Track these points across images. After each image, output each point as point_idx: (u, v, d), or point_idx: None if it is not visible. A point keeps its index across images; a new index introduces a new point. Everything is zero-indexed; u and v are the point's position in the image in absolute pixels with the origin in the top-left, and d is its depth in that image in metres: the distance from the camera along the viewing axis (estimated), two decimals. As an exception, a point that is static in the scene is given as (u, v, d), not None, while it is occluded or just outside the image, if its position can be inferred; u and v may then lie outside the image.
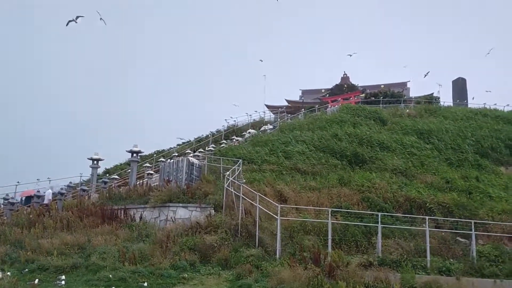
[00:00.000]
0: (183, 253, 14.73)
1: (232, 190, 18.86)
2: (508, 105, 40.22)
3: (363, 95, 46.94)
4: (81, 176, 28.91)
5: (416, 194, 20.59)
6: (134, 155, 24.70)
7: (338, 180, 22.38)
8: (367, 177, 22.37)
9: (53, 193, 22.93)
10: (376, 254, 15.55)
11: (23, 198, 27.01)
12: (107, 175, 30.77)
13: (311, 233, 17.04)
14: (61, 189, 22.08)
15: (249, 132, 33.90)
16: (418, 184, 22.18)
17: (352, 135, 27.77)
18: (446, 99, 49.06)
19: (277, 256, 14.94)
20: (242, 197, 17.65)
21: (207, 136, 40.62)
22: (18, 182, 26.43)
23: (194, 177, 20.43)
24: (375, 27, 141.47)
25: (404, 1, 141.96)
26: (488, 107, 39.42)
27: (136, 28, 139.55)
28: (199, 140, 38.71)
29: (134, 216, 19.07)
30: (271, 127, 33.76)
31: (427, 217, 16.93)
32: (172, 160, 21.43)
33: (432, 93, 54.55)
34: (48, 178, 27.73)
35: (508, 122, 32.92)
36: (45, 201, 22.44)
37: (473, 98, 46.47)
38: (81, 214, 18.91)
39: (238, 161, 24.38)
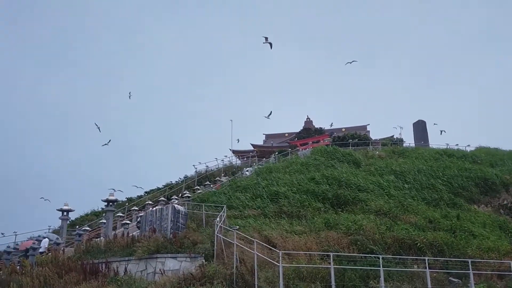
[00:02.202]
0: (182, 308, 13.72)
1: (222, 237, 18.13)
2: (469, 145, 42.07)
3: (331, 138, 47.80)
4: (49, 228, 27.10)
5: (404, 234, 20.60)
6: (110, 204, 23.45)
7: (324, 223, 22.11)
8: (352, 220, 22.23)
9: (49, 242, 21.32)
10: (380, 299, 15.19)
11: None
12: (77, 226, 29.01)
13: (306, 279, 16.50)
14: (34, 243, 20.42)
15: (247, 170, 33.60)
16: (403, 225, 22.27)
17: (330, 177, 27.80)
18: (407, 140, 51.05)
19: (282, 305, 14.23)
20: (236, 244, 16.93)
21: (177, 183, 39.57)
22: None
23: (180, 225, 19.49)
24: (335, 71, 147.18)
25: (363, 50, 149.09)
26: (450, 147, 41.04)
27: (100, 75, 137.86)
28: (170, 187, 37.57)
29: (117, 270, 17.77)
30: (251, 169, 33.37)
31: (426, 258, 16.85)
32: (155, 208, 20.45)
33: (393, 135, 56.47)
34: (14, 232, 25.73)
35: (474, 161, 34.26)
36: (41, 250, 21.03)
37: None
38: (59, 270, 17.45)
39: (218, 207, 23.76)
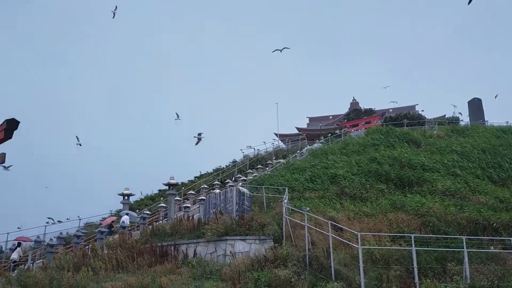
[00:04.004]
0: (261, 290, 13.47)
1: (290, 219, 17.78)
2: (530, 122, 39.82)
3: (382, 118, 46.44)
4: (110, 212, 27.60)
5: (478, 215, 19.60)
6: (171, 187, 23.56)
7: (389, 205, 21.39)
8: (420, 201, 21.38)
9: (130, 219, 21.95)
10: (465, 281, 14.43)
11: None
12: (137, 210, 29.44)
13: (379, 262, 15.93)
14: (100, 225, 20.80)
15: (302, 152, 33.16)
16: (474, 205, 21.23)
17: (391, 157, 26.87)
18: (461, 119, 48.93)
19: (362, 289, 13.73)
20: (308, 226, 16.53)
21: (227, 167, 39.58)
22: (47, 222, 25.16)
23: (246, 207, 19.24)
24: (376, 52, 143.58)
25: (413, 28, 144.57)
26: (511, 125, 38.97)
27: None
28: (222, 171, 37.58)
29: (186, 252, 17.76)
30: (305, 151, 32.80)
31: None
32: (218, 191, 20.30)
33: (444, 115, 54.38)
34: (78, 217, 26.45)
35: (540, 139, 32.30)
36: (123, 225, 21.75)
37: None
38: (130, 253, 17.58)
39: (278, 189, 23.44)
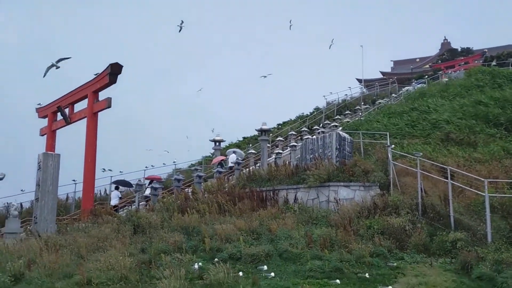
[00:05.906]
0: (376, 238, 12.77)
1: (395, 164, 16.73)
2: None
3: (482, 58, 42.44)
4: (203, 158, 28.06)
5: None
6: (263, 133, 23.18)
7: (504, 150, 19.53)
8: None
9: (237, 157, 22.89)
10: None
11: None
12: (226, 156, 29.65)
13: (498, 211, 14.57)
14: (198, 170, 21.10)
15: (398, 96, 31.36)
16: None
17: (500, 100, 24.39)
18: None
19: (489, 240, 12.57)
20: (421, 172, 15.40)
21: (311, 114, 38.56)
22: (146, 167, 26.11)
23: (346, 153, 18.36)
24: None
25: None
26: None
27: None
28: (307, 118, 36.67)
29: (287, 198, 17.42)
30: (403, 93, 30.78)
31: None
32: (315, 136, 19.54)
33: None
34: (173, 161, 27.17)
35: None
36: (229, 165, 22.35)
37: None
38: (230, 197, 17.55)
39: (374, 135, 22.27)
